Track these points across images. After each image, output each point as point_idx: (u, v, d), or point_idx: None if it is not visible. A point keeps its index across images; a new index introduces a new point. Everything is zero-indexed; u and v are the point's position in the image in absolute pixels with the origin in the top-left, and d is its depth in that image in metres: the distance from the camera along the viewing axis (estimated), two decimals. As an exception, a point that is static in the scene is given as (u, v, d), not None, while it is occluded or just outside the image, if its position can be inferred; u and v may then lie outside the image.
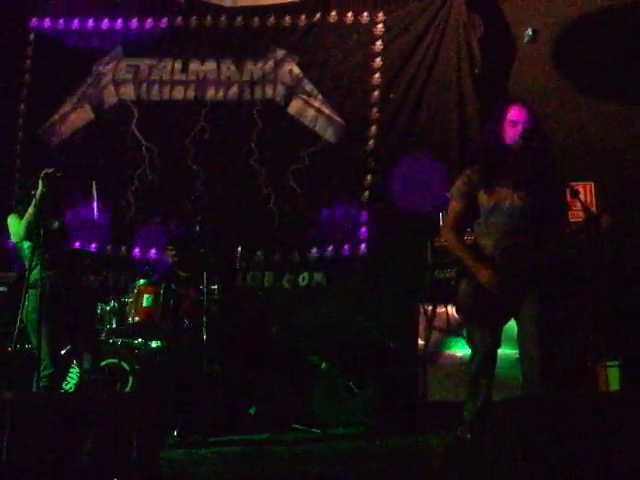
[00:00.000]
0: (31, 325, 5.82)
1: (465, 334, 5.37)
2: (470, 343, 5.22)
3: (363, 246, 8.67)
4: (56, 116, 9.43)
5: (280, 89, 9.14)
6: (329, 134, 8.94)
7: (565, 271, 5.00)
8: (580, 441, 4.03)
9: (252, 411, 7.26)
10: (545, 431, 4.10)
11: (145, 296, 7.23)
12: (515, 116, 4.92)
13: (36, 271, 5.85)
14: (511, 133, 4.91)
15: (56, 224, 6.03)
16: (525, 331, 4.92)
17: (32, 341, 5.94)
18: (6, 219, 6.14)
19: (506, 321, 5.10)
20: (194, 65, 9.30)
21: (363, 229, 8.69)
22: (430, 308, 7.25)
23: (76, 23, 9.54)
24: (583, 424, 4.10)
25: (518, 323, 5.00)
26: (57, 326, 5.94)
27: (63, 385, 6.56)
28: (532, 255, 4.83)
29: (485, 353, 5.08)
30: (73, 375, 6.71)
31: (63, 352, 6.34)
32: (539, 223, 4.89)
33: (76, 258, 6.28)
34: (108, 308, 7.33)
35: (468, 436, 5.09)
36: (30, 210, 5.80)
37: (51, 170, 5.82)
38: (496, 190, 4.93)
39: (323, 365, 7.82)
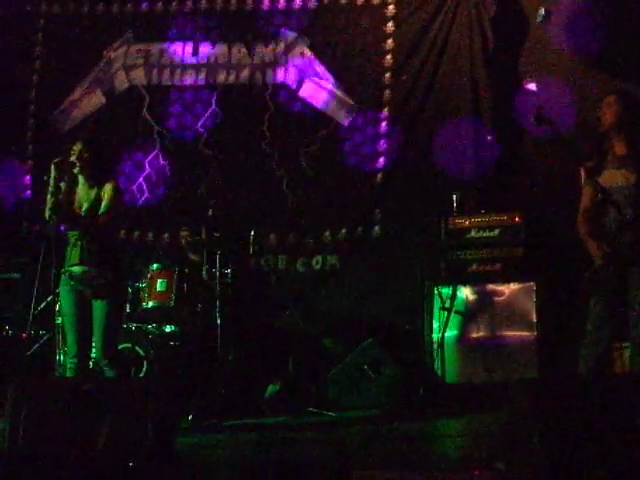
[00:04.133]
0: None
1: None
2: (593, 289, 5.31)
3: (377, 228, 8.64)
4: (67, 102, 9.42)
5: (291, 72, 9.10)
6: (341, 116, 8.91)
7: None
8: (594, 420, 4.04)
9: (272, 390, 7.28)
10: (560, 410, 4.10)
11: (159, 281, 7.23)
12: (605, 102, 5.42)
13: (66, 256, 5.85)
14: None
15: (85, 206, 5.93)
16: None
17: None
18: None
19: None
20: (205, 49, 9.27)
21: (376, 211, 8.66)
22: (444, 290, 7.27)
23: (86, 8, 9.52)
24: (596, 404, 4.10)
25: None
26: (81, 313, 5.88)
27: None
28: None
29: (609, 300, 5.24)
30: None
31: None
32: None
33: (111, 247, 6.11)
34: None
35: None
36: (47, 196, 5.76)
37: (61, 159, 5.79)
38: (606, 172, 5.31)
39: (337, 348, 7.82)
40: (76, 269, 5.83)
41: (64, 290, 5.84)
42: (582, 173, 5.49)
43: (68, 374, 5.79)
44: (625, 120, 5.33)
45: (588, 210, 5.41)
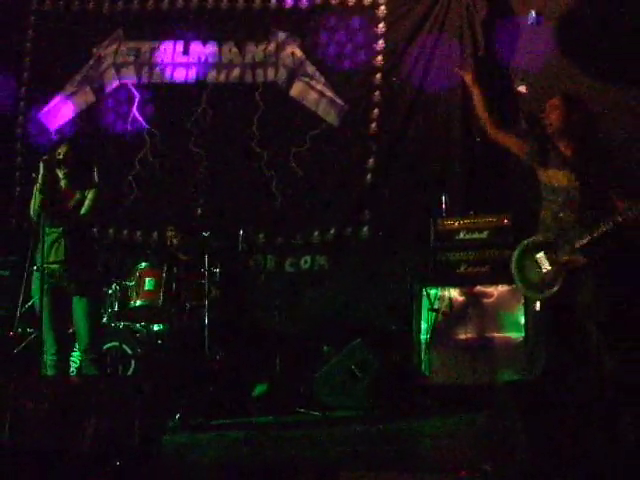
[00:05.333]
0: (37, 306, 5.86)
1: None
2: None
3: (366, 229, 8.65)
4: (57, 99, 9.40)
5: (282, 72, 9.09)
6: (331, 117, 8.90)
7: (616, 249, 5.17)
8: (580, 422, 4.06)
9: (261, 389, 7.28)
10: (546, 412, 4.11)
11: (147, 280, 7.23)
12: (549, 104, 5.38)
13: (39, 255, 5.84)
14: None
15: (71, 202, 5.96)
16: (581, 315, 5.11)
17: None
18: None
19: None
20: (195, 47, 9.26)
21: (366, 211, 8.67)
22: (433, 292, 7.27)
23: (77, 5, 9.50)
24: (582, 406, 4.12)
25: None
26: (58, 309, 5.92)
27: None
28: (582, 234, 5.06)
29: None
30: (75, 359, 6.71)
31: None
32: (589, 202, 5.14)
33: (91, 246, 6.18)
34: (110, 292, 7.33)
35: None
36: (35, 193, 5.78)
37: (50, 156, 5.82)
38: (550, 170, 5.30)
39: (325, 348, 7.82)
40: (57, 266, 5.86)
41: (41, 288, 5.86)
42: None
43: (49, 372, 5.82)
44: (571, 123, 5.28)
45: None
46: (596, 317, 5.05)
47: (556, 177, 5.24)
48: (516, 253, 5.41)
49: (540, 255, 5.22)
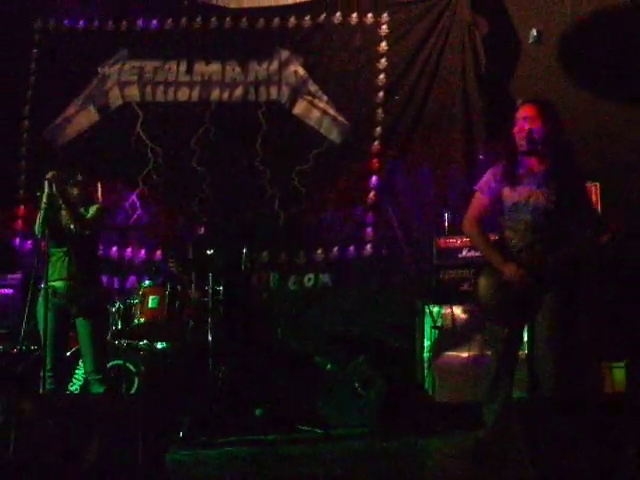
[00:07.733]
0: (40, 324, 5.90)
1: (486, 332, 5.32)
2: (491, 341, 5.14)
3: (369, 247, 8.67)
4: (61, 118, 9.44)
5: (285, 90, 9.13)
6: (334, 135, 8.94)
7: (580, 271, 4.97)
8: (584, 440, 4.05)
9: (258, 412, 7.25)
10: (552, 432, 4.10)
11: (150, 298, 7.23)
12: (522, 114, 4.96)
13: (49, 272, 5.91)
14: (517, 131, 4.96)
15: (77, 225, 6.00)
16: (541, 330, 4.85)
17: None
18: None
19: (528, 320, 4.95)
20: (199, 66, 9.31)
21: (368, 230, 8.69)
22: (436, 309, 7.28)
23: (81, 24, 9.56)
24: (589, 425, 4.11)
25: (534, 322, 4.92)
26: (60, 328, 5.98)
27: (68, 386, 6.62)
28: (556, 253, 4.81)
29: (506, 352, 4.99)
30: (79, 376, 6.72)
31: (68, 353, 6.43)
32: (563, 221, 4.89)
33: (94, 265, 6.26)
34: (113, 309, 7.33)
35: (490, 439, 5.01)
36: (40, 212, 5.82)
37: (54, 173, 5.84)
38: (520, 187, 4.94)
39: (328, 366, 7.82)
40: (60, 284, 5.93)
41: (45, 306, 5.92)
42: (490, 176, 5.05)
43: (47, 387, 5.85)
44: (550, 134, 4.89)
45: (481, 219, 5.09)
46: (554, 338, 4.79)
47: (533, 195, 4.87)
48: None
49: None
